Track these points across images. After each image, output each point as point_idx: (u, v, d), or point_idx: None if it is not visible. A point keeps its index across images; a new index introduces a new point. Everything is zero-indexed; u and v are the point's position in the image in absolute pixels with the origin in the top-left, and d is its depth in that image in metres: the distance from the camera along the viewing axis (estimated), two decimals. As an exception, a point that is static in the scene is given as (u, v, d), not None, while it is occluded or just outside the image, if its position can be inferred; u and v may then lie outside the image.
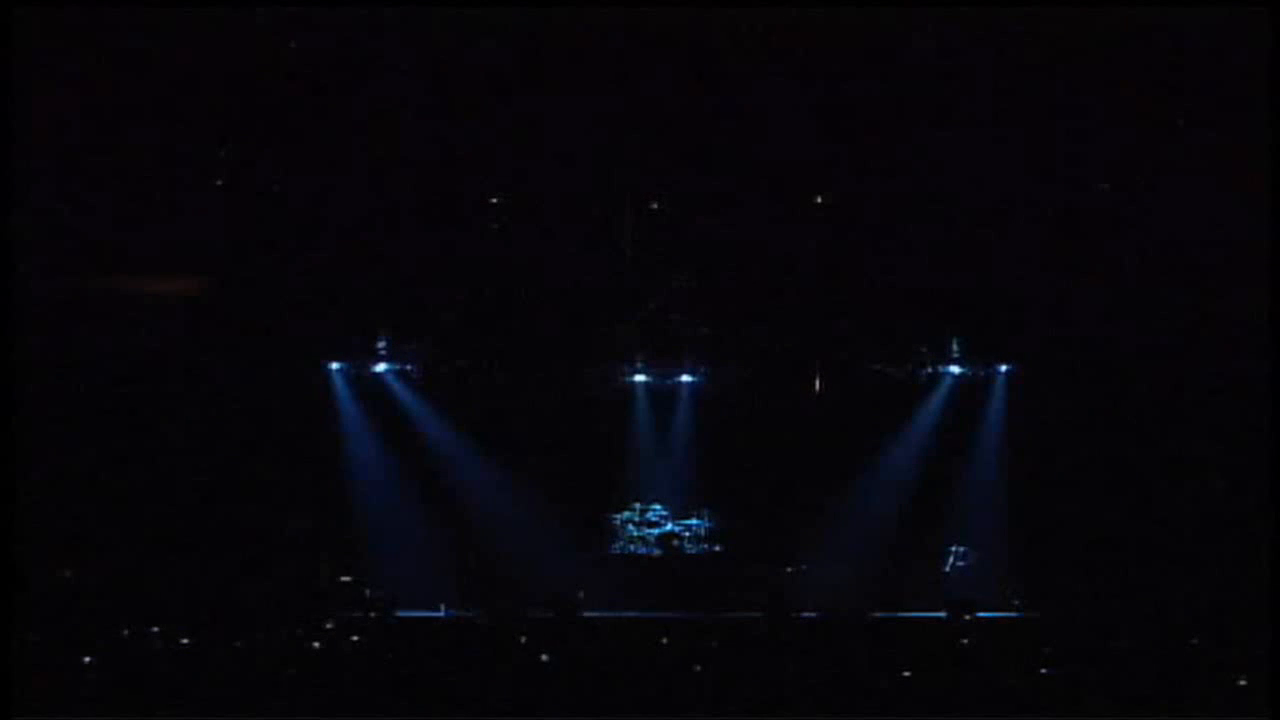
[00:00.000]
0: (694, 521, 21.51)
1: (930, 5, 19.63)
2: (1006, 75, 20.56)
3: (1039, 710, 12.62)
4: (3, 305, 15.80)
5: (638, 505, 21.57)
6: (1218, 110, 19.42)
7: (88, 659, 13.61)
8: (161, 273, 20.74)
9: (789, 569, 20.91)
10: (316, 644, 15.70)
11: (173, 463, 20.18)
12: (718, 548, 21.39)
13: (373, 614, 19.21)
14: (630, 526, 21.47)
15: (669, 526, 21.43)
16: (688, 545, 21.38)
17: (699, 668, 13.86)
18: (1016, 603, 20.32)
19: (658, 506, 21.57)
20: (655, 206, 22.00)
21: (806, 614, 19.34)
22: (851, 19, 19.13)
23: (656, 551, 21.37)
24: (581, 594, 19.96)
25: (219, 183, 20.63)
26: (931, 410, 21.67)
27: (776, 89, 20.81)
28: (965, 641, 16.12)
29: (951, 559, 21.06)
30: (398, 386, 21.77)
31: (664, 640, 16.11)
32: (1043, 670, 13.59)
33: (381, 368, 21.77)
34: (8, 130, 16.36)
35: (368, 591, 20.02)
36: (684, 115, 21.58)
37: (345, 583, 20.27)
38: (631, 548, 21.40)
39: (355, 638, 16.11)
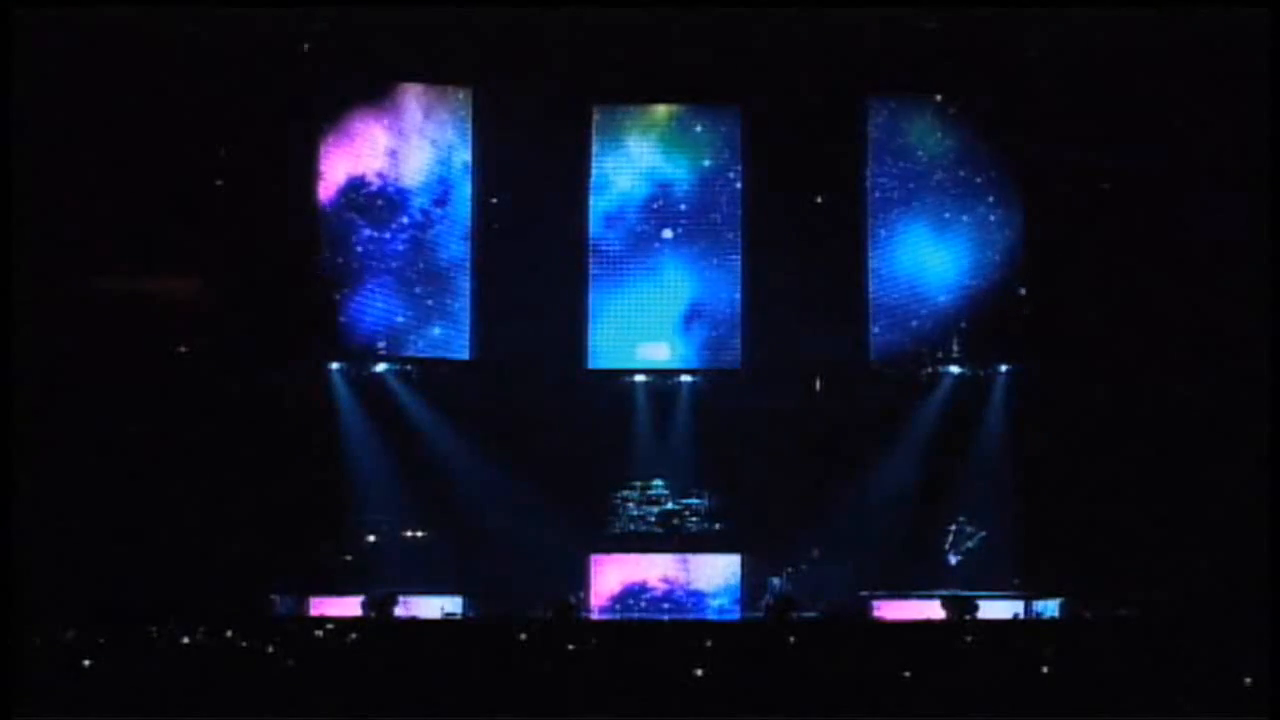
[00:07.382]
0: (694, 500, 21.44)
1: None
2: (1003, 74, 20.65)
3: (1039, 710, 12.61)
4: (3, 305, 15.80)
5: (638, 483, 21.51)
6: (1218, 111, 19.45)
7: (88, 659, 13.58)
8: (162, 273, 20.74)
9: (789, 569, 20.89)
10: (315, 644, 15.68)
11: (173, 463, 20.16)
12: (718, 526, 21.35)
13: (372, 614, 19.20)
14: (631, 505, 21.42)
15: (669, 505, 21.38)
16: (689, 523, 21.34)
17: (699, 668, 13.84)
18: (1016, 581, 20.31)
19: (659, 483, 21.52)
20: (658, 205, 22.00)
21: (806, 614, 19.32)
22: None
23: (658, 530, 21.31)
24: (582, 594, 19.95)
25: (219, 183, 20.66)
26: (931, 410, 21.65)
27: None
28: (966, 641, 16.10)
29: (951, 537, 21.06)
30: (398, 386, 21.73)
31: (665, 641, 16.11)
32: (1043, 670, 13.58)
33: (381, 368, 21.75)
34: (8, 130, 16.37)
35: (366, 591, 20.01)
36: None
37: (346, 561, 20.39)
38: (633, 526, 21.36)
39: (354, 637, 16.09)
